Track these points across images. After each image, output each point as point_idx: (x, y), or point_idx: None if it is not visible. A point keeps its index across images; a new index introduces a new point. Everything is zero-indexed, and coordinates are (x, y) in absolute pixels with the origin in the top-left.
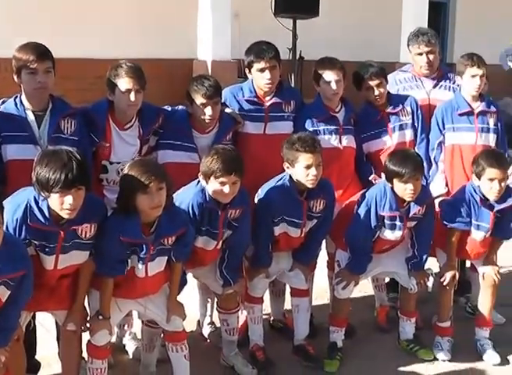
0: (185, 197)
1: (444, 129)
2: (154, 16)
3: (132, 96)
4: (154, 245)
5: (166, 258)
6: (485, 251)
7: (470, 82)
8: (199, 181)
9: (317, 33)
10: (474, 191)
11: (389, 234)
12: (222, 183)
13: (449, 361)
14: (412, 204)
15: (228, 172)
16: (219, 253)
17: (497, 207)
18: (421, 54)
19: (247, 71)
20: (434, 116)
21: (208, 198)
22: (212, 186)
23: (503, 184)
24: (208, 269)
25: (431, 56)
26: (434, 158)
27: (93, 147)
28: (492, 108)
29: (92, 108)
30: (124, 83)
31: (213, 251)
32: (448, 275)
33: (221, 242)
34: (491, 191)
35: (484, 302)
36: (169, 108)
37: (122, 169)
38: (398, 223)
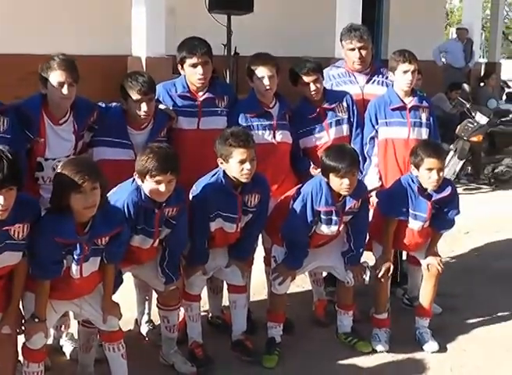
0: (120, 196)
1: (377, 123)
2: (88, 12)
3: (65, 89)
4: (88, 245)
5: (99, 258)
6: (423, 242)
7: (402, 77)
8: (134, 180)
9: (252, 29)
10: (412, 181)
11: (325, 229)
12: (158, 182)
13: (388, 352)
14: (348, 198)
15: (163, 171)
16: (157, 251)
17: (435, 197)
18: (353, 49)
19: (179, 67)
20: (367, 111)
21: (143, 197)
22: (148, 185)
23: (441, 174)
24: (147, 268)
25: (363, 52)
26: (367, 153)
27: (27, 144)
28: (425, 103)
29: (25, 103)
30: (56, 76)
31: (150, 250)
32: (383, 267)
33: (157, 240)
34: (429, 180)
35: (426, 293)
36: (103, 105)
37: (57, 166)
38: (334, 217)
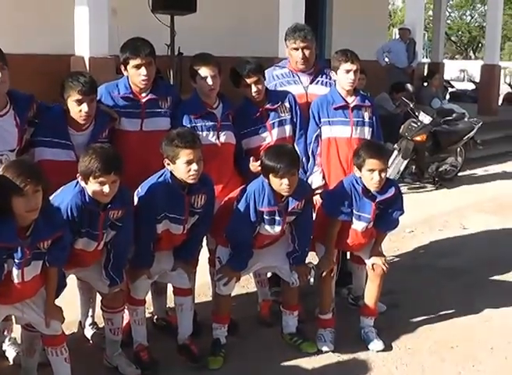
0: (63, 198)
1: (320, 123)
2: (30, 9)
3: None
4: (30, 249)
5: (41, 262)
6: (367, 243)
7: (344, 77)
8: (77, 182)
9: (195, 29)
10: (356, 181)
11: (268, 229)
12: (102, 183)
13: (333, 352)
14: (290, 199)
15: (107, 171)
16: (102, 254)
17: (379, 198)
18: (296, 49)
19: (122, 68)
20: (310, 110)
21: (87, 199)
22: (92, 186)
23: (383, 175)
24: (92, 270)
25: (306, 52)
26: (312, 152)
27: None
28: (367, 103)
29: None
30: None
31: (94, 253)
32: (326, 268)
33: (102, 243)
34: (371, 181)
35: (371, 292)
36: (43, 104)
37: (1, 160)
38: (277, 218)
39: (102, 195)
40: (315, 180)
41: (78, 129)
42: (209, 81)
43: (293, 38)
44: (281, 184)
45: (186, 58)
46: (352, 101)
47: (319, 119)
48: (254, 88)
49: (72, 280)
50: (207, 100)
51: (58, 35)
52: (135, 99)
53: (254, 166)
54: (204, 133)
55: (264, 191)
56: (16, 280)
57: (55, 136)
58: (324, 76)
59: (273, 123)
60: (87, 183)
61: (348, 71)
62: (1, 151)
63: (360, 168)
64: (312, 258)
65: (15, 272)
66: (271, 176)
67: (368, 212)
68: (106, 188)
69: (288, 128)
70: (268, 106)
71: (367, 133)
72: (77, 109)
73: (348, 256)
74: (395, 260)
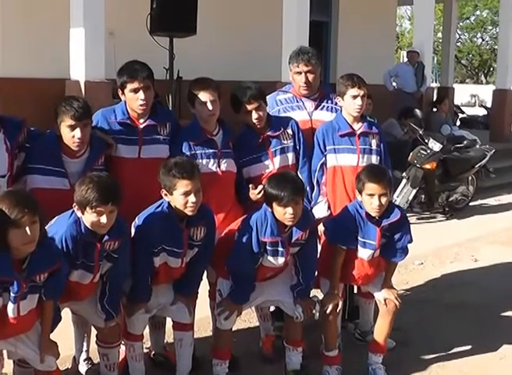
0: (58, 229)
1: (325, 150)
2: (24, 33)
3: None
4: (26, 283)
5: (38, 295)
6: (374, 274)
7: (351, 103)
8: (73, 211)
9: (195, 52)
10: (360, 206)
11: (271, 261)
12: (99, 214)
13: None
14: (294, 229)
15: (104, 201)
16: (97, 286)
17: (384, 222)
18: (299, 73)
19: (119, 92)
20: (315, 138)
21: (83, 230)
22: (88, 217)
23: (383, 200)
24: (87, 303)
25: (310, 76)
26: (316, 181)
27: None
28: (374, 129)
29: None
30: None
31: (90, 285)
32: (331, 304)
33: (98, 275)
34: (371, 206)
35: (381, 328)
36: (36, 130)
37: None
38: (280, 249)
39: (99, 226)
40: (320, 211)
41: (72, 156)
42: (209, 106)
43: (297, 62)
44: (285, 213)
45: (185, 83)
46: (359, 127)
47: (324, 146)
48: (254, 115)
49: (66, 314)
50: (206, 126)
51: (52, 58)
52: (132, 125)
53: (254, 194)
54: (204, 161)
55: (267, 220)
56: (11, 315)
57: (48, 163)
58: (329, 102)
59: (275, 151)
60: (83, 214)
61: (355, 97)
62: None
63: (360, 192)
64: (317, 292)
65: (10, 306)
66: (274, 204)
67: (374, 237)
68: (103, 219)
69: (291, 156)
70: (269, 133)
71: (374, 161)
72: (70, 135)
73: (355, 290)
74: (404, 294)
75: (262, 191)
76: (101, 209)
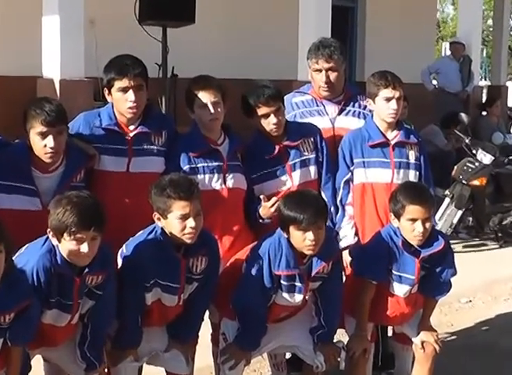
0: (29, 259)
1: (352, 164)
2: None
3: None
4: None
5: (1, 340)
6: (411, 313)
7: (384, 106)
8: (47, 239)
9: (193, 45)
10: (395, 233)
11: (286, 298)
12: (79, 241)
13: None
14: (315, 259)
15: (86, 226)
16: (76, 329)
17: (424, 253)
18: (319, 70)
19: (105, 92)
20: (340, 149)
21: (59, 261)
22: (66, 245)
23: (427, 225)
24: (63, 350)
25: (332, 75)
26: (340, 201)
27: None
28: (412, 139)
29: None
30: None
31: (67, 328)
32: (358, 348)
33: (77, 316)
34: (413, 233)
35: None
36: (0, 138)
37: None
38: (298, 283)
39: (79, 256)
40: (345, 238)
41: (44, 170)
42: (210, 109)
43: (316, 57)
44: (304, 240)
45: (181, 82)
46: (393, 136)
47: (351, 159)
48: (272, 119)
49: (37, 362)
50: (209, 134)
51: (20, 51)
52: (120, 132)
53: (266, 207)
54: (207, 177)
55: (282, 249)
56: None
57: (14, 179)
58: (356, 105)
59: (294, 164)
60: (59, 241)
61: (389, 99)
62: None
63: (398, 217)
64: (342, 335)
65: None
66: (291, 229)
67: (411, 271)
68: (84, 247)
69: (312, 170)
70: (287, 143)
71: (412, 177)
72: (41, 144)
73: (389, 333)
74: (448, 338)
75: (277, 204)
76: (81, 236)
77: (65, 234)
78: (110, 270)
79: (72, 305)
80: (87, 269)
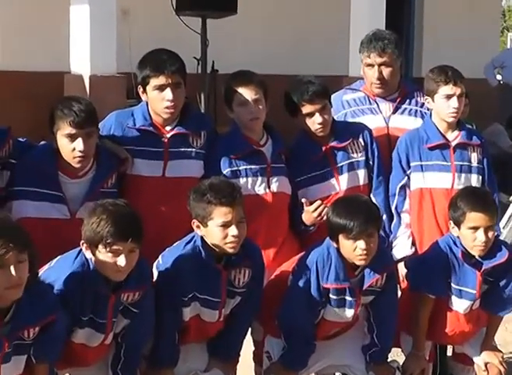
0: (59, 274)
1: (409, 168)
2: (7, 11)
3: None
4: (9, 340)
5: (25, 357)
6: (472, 331)
7: (444, 105)
8: (79, 252)
9: (235, 38)
10: (454, 243)
11: (336, 314)
12: (116, 253)
13: None
14: (367, 271)
15: (123, 237)
16: (109, 349)
17: (486, 265)
18: (372, 65)
19: (140, 90)
20: (395, 151)
21: (93, 276)
22: (101, 258)
23: (490, 234)
24: (94, 370)
25: (385, 70)
26: (396, 208)
27: None
28: (475, 140)
29: None
30: None
31: (99, 348)
32: (415, 369)
33: (111, 336)
34: (474, 243)
35: None
36: (25, 141)
37: None
38: (348, 298)
39: (115, 270)
40: (401, 248)
41: (72, 175)
42: (250, 107)
43: (368, 51)
44: (354, 249)
45: (222, 77)
46: (454, 137)
47: (407, 162)
48: (318, 119)
49: None
50: (250, 134)
51: (47, 45)
52: (156, 134)
53: (308, 213)
54: (250, 180)
55: (331, 260)
56: None
57: (40, 185)
58: (413, 103)
59: (341, 167)
60: (94, 254)
61: (449, 96)
62: None
63: (458, 225)
64: (398, 354)
65: None
66: (340, 237)
67: (472, 285)
68: (121, 260)
69: (362, 174)
70: (334, 144)
71: (474, 182)
72: (69, 147)
73: (449, 352)
74: None
75: (320, 209)
76: (117, 248)
77: (100, 246)
78: (147, 287)
79: (106, 324)
80: (122, 286)
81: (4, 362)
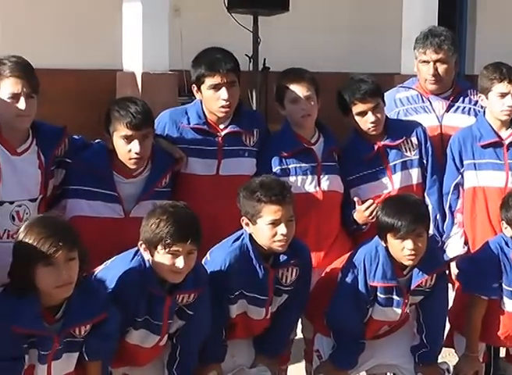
0: (115, 274)
1: (462, 166)
2: (59, 9)
3: (22, 103)
4: (60, 337)
5: (77, 354)
6: None
7: (498, 103)
8: (136, 252)
9: (287, 35)
10: (506, 244)
11: (384, 313)
12: (174, 255)
13: None
14: (416, 271)
15: (182, 238)
16: (164, 349)
17: None
18: (427, 62)
19: (194, 89)
20: (449, 149)
21: (149, 277)
22: (160, 259)
23: None
24: (149, 370)
25: (441, 67)
26: (449, 207)
27: None
28: None
29: None
30: (9, 85)
31: (153, 349)
32: (468, 371)
33: (166, 337)
34: None
35: None
36: (79, 138)
37: (18, 212)
38: (396, 297)
39: (173, 272)
40: (454, 247)
41: (127, 175)
42: (302, 104)
43: (424, 47)
44: (402, 249)
45: (273, 75)
46: (508, 135)
47: (461, 161)
48: (370, 117)
49: None
50: (301, 132)
51: (99, 43)
52: (211, 132)
53: (360, 212)
54: (300, 178)
55: (378, 258)
56: None
57: (94, 184)
58: (466, 101)
59: (394, 166)
60: (152, 255)
61: (503, 95)
62: (18, 200)
63: (511, 225)
64: (449, 354)
65: (39, 367)
66: (389, 237)
67: None
68: (180, 262)
69: (415, 173)
70: (387, 142)
71: None
72: (126, 149)
73: (503, 353)
74: None
75: (372, 208)
76: (177, 249)
77: (159, 247)
78: (203, 289)
79: (161, 325)
80: (178, 287)
81: (55, 359)
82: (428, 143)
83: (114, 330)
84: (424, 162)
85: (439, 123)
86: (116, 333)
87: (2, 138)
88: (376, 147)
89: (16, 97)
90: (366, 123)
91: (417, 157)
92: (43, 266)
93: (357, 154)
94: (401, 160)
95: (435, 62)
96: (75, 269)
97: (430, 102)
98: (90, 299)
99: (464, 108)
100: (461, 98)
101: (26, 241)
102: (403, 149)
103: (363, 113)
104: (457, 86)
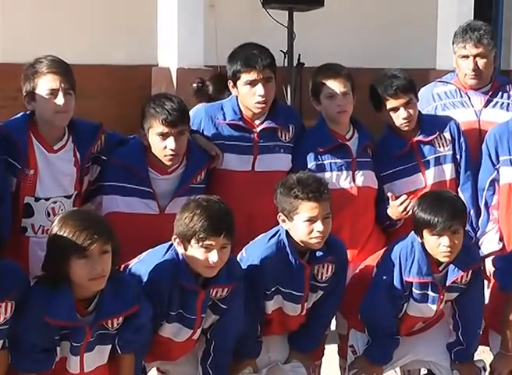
0: (148, 267)
1: (498, 162)
2: (94, 4)
3: (60, 98)
4: (92, 330)
5: (110, 347)
6: None
7: None
8: (170, 246)
9: (322, 31)
10: None
11: (419, 309)
12: (208, 249)
13: None
14: (451, 267)
15: (216, 232)
16: (198, 344)
17: None
18: (466, 57)
19: (230, 84)
20: (484, 145)
21: (183, 271)
22: (193, 253)
23: None
24: (183, 364)
25: (480, 61)
26: (485, 203)
27: (13, 179)
28: None
29: (6, 124)
30: (47, 82)
31: (186, 343)
32: (503, 370)
33: (199, 331)
34: None
35: None
36: (115, 135)
37: (53, 209)
38: (431, 293)
39: (207, 266)
40: (489, 243)
41: (163, 171)
42: (338, 100)
43: (463, 41)
44: (438, 245)
45: (308, 71)
46: None
47: (497, 156)
48: (402, 113)
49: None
50: (336, 128)
51: (134, 38)
52: (246, 128)
53: (394, 207)
54: (334, 174)
55: (414, 254)
56: (72, 371)
57: (130, 180)
58: (505, 97)
59: (428, 162)
60: (186, 249)
61: None
62: (53, 197)
63: None
64: (484, 351)
65: (72, 359)
66: (425, 233)
67: None
68: (213, 256)
69: (449, 168)
70: (420, 138)
71: None
72: (161, 146)
73: None
74: None
75: (406, 203)
76: (210, 243)
77: (192, 241)
78: (238, 283)
79: (195, 319)
80: (212, 281)
81: (87, 351)
82: (462, 138)
83: (146, 323)
84: (458, 157)
85: (477, 118)
86: (149, 327)
87: (39, 136)
88: (409, 143)
89: (54, 93)
90: (398, 118)
91: (451, 152)
92: (77, 259)
93: (390, 150)
94: (434, 156)
95: (474, 56)
96: (108, 262)
97: (468, 97)
98: (122, 292)
99: (503, 103)
100: (500, 93)
101: (61, 233)
102: (437, 145)
103: (395, 109)
104: (496, 81)
